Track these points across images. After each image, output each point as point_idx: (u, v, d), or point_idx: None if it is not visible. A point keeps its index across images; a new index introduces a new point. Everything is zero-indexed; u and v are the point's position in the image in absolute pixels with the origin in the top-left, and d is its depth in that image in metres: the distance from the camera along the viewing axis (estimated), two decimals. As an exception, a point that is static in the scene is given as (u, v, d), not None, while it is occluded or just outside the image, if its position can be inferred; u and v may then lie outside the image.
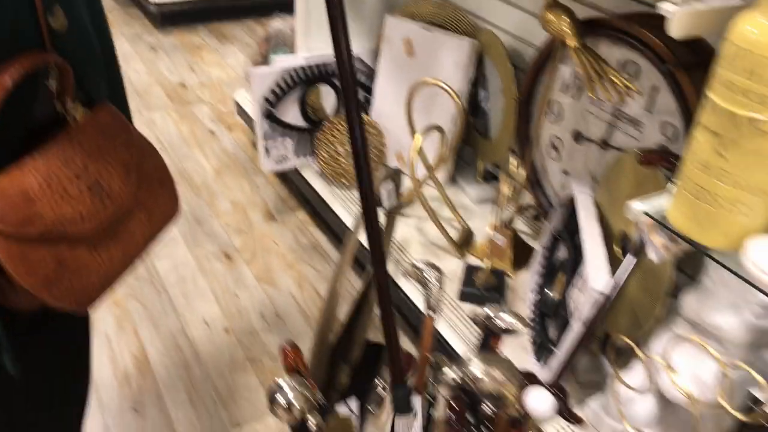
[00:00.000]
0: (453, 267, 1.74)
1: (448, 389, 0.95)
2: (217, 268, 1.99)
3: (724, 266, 0.93)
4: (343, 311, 1.46)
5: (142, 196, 0.84)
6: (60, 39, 0.74)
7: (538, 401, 0.89)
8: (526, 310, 1.59)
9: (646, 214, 0.99)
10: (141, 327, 1.77)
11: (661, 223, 0.98)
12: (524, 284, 1.67)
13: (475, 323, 0.97)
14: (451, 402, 0.90)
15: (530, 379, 0.95)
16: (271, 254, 2.06)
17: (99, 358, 1.67)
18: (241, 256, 2.05)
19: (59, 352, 0.98)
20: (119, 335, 1.74)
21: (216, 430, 1.50)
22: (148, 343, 1.72)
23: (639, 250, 1.08)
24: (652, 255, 1.05)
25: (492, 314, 0.94)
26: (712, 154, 0.87)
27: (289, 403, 0.73)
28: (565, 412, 0.94)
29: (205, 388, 1.60)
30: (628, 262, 1.08)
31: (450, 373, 0.91)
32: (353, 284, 1.92)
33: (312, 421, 0.75)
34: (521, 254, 1.72)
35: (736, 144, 0.84)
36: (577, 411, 1.35)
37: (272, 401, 0.74)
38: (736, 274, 0.91)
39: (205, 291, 1.90)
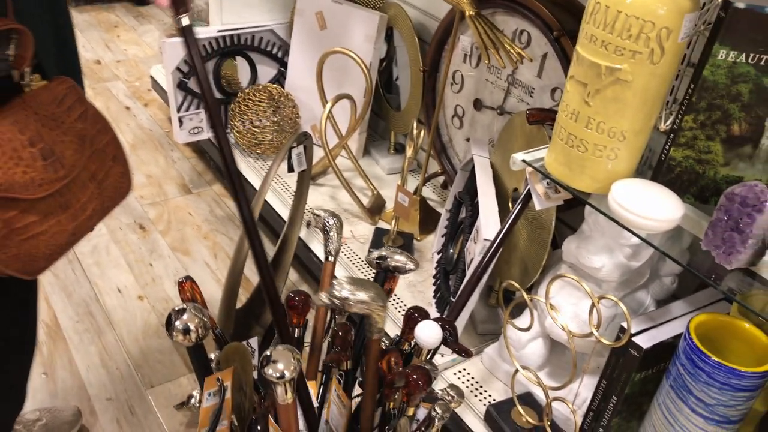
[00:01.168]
0: (365, 232, 1.80)
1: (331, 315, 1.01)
2: (131, 239, 1.99)
3: (590, 205, 1.03)
4: (254, 277, 1.49)
5: (95, 168, 0.84)
6: (21, 9, 0.74)
7: (426, 331, 0.96)
8: (431, 270, 1.67)
9: (525, 161, 1.08)
10: (53, 295, 1.75)
11: (538, 170, 1.07)
12: (430, 246, 1.75)
13: (369, 264, 1.03)
14: (336, 328, 0.96)
15: (421, 313, 1.02)
16: (186, 225, 2.07)
17: None
18: (156, 228, 2.05)
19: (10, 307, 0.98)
20: (28, 305, 1.72)
21: (129, 391, 1.52)
22: (59, 310, 1.71)
23: (525, 200, 1.17)
24: (536, 203, 1.14)
25: (384, 254, 1.01)
26: (580, 103, 0.96)
27: (186, 327, 0.78)
28: (454, 345, 1.02)
29: (118, 352, 1.61)
30: (515, 210, 1.17)
31: (323, 298, 0.97)
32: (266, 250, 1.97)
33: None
34: (428, 219, 1.80)
35: (600, 92, 0.93)
36: (476, 359, 1.44)
37: (169, 325, 0.78)
38: (602, 213, 1.01)
39: (119, 260, 1.90)
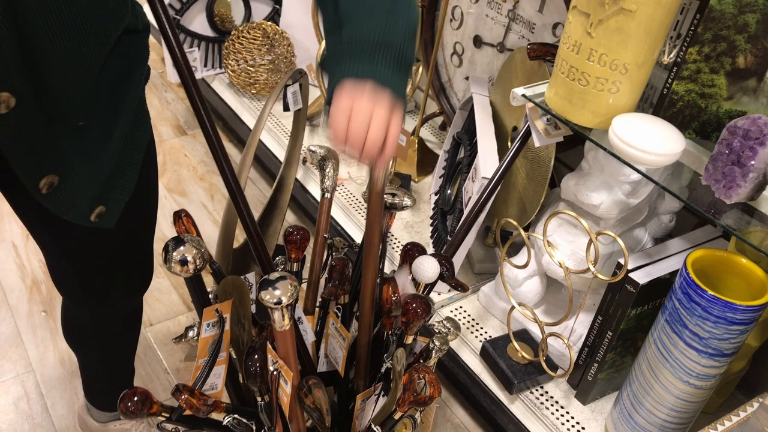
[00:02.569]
0: (361, 173, 1.79)
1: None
2: (126, 180, 1.97)
3: (590, 140, 1.02)
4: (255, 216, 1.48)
5: None
6: None
7: (424, 266, 0.96)
8: (429, 211, 1.67)
9: (525, 96, 1.06)
10: (48, 236, 1.75)
11: (538, 105, 1.05)
12: (428, 187, 1.75)
13: (365, 201, 1.02)
14: (333, 263, 0.96)
15: (419, 249, 1.02)
16: (182, 167, 2.05)
17: (7, 266, 1.65)
18: (152, 169, 2.03)
19: None
20: (27, 244, 1.72)
21: (127, 329, 1.53)
22: (55, 251, 1.71)
23: (524, 137, 1.15)
24: (535, 139, 1.13)
25: (382, 189, 1.00)
26: (583, 35, 0.93)
27: (184, 258, 0.77)
28: (450, 279, 1.02)
29: (115, 292, 1.62)
30: (514, 147, 1.16)
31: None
32: (262, 191, 1.96)
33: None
34: (426, 160, 1.79)
35: (602, 23, 0.91)
36: (473, 297, 1.46)
37: (166, 255, 0.77)
38: (602, 147, 1.00)
39: (114, 202, 1.89)
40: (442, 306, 1.42)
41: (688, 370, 0.99)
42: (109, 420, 1.27)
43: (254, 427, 0.84)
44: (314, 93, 1.97)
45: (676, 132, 0.92)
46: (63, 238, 0.88)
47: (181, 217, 0.85)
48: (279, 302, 0.71)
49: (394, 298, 0.84)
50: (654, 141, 0.90)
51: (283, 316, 0.72)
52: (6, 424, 1.34)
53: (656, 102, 1.00)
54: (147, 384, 1.42)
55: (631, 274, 1.07)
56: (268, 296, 0.70)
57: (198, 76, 2.06)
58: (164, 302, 1.61)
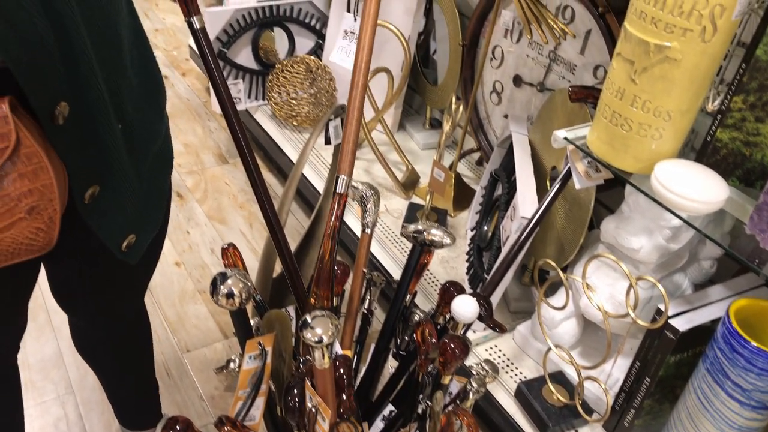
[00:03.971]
0: (399, 207, 1.81)
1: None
2: (168, 207, 2.02)
3: (632, 185, 1.02)
4: (292, 248, 1.51)
5: None
6: None
7: (463, 305, 0.96)
8: (465, 246, 1.68)
9: (566, 139, 1.07)
10: (91, 260, 1.80)
11: (580, 148, 1.06)
12: (464, 223, 1.76)
13: (405, 237, 1.04)
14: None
15: (457, 288, 1.02)
16: (223, 194, 2.10)
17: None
18: (193, 196, 2.08)
19: None
20: (69, 267, 1.77)
21: (166, 355, 1.56)
22: (98, 274, 1.76)
23: (565, 179, 1.16)
24: (576, 182, 1.13)
25: (421, 227, 1.01)
26: (626, 81, 0.94)
27: (230, 291, 0.79)
28: (488, 320, 1.02)
29: (155, 316, 1.65)
30: (554, 188, 1.16)
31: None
32: (300, 222, 1.98)
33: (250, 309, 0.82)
34: (462, 195, 1.80)
35: (647, 71, 0.91)
36: (508, 336, 1.45)
37: (214, 289, 0.80)
38: (644, 193, 1.00)
39: (156, 228, 1.94)
40: (477, 345, 1.41)
41: (729, 422, 0.97)
42: None
43: (291, 461, 0.85)
44: (354, 126, 2.00)
45: (719, 179, 0.92)
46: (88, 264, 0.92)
47: (229, 250, 0.87)
48: (320, 341, 0.72)
49: (431, 341, 0.85)
50: (697, 188, 0.90)
51: (323, 354, 0.74)
52: (45, 444, 1.37)
53: (699, 148, 1.00)
54: (182, 410, 1.44)
55: (671, 321, 1.05)
56: (309, 335, 0.72)
57: (242, 107, 2.12)
58: (201, 329, 1.64)
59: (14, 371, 1.06)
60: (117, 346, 1.18)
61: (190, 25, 0.81)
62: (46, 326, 1.60)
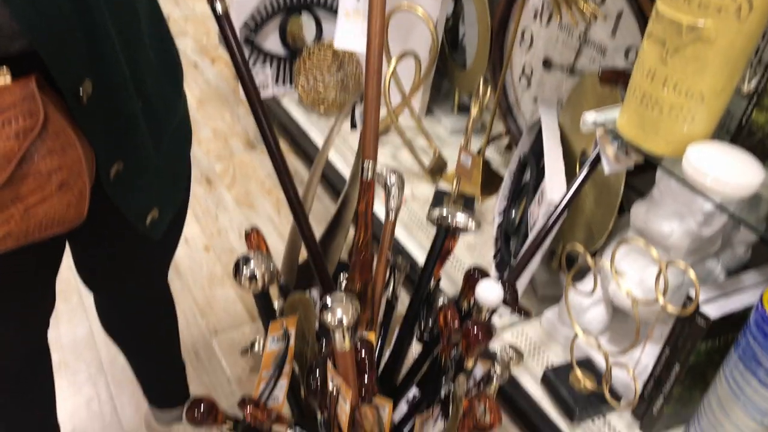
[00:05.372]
0: (426, 192, 1.80)
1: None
2: (198, 192, 2.04)
3: (663, 168, 1.00)
4: (318, 233, 1.51)
5: (24, 191, 0.71)
6: None
7: (488, 290, 0.95)
8: (491, 232, 1.66)
9: (596, 122, 1.05)
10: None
11: (608, 130, 1.04)
12: (491, 208, 1.74)
13: (430, 221, 1.03)
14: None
15: (482, 273, 1.02)
16: (251, 180, 2.11)
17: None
18: (222, 181, 2.10)
19: None
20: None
21: (195, 337, 1.58)
22: (129, 258, 1.79)
23: (594, 163, 1.13)
24: (605, 166, 1.11)
25: (446, 212, 1.01)
26: (658, 62, 0.92)
27: (253, 274, 0.80)
28: (514, 305, 1.01)
29: (185, 299, 1.67)
30: (583, 172, 1.14)
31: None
32: (326, 207, 1.99)
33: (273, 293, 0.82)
34: (490, 181, 1.78)
35: (679, 51, 0.89)
36: (535, 322, 1.44)
37: (236, 271, 0.80)
38: (675, 176, 0.97)
39: (185, 212, 1.96)
40: (503, 329, 1.40)
41: (761, 410, 0.95)
42: (172, 420, 1.32)
43: (314, 442, 0.85)
44: (382, 112, 1.99)
45: (755, 162, 0.89)
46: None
47: (252, 234, 0.88)
48: (340, 323, 0.72)
49: (454, 325, 0.84)
50: (730, 171, 0.88)
51: (343, 336, 0.74)
52: (78, 423, 1.40)
53: (734, 130, 0.97)
54: (210, 391, 1.46)
55: (702, 307, 1.03)
56: (330, 316, 0.72)
57: (269, 93, 2.12)
58: (229, 312, 1.65)
59: (46, 348, 1.08)
60: (140, 325, 1.20)
61: (214, 10, 0.81)
62: (78, 308, 1.64)
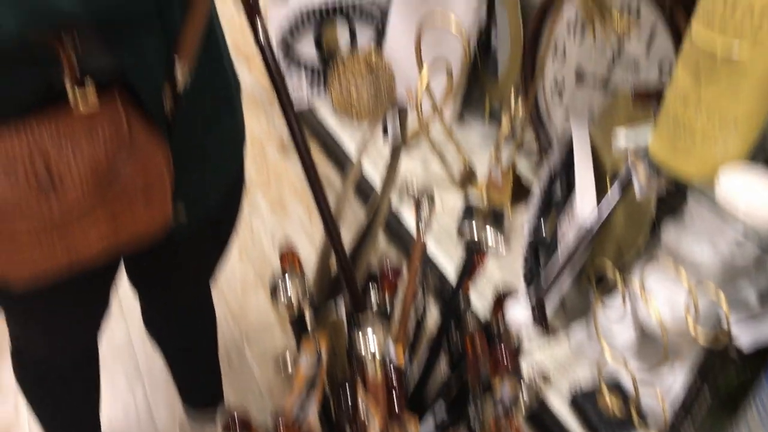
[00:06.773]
0: (455, 202, 1.81)
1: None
2: (231, 197, 2.08)
3: (696, 192, 0.99)
4: (346, 237, 1.54)
5: (111, 199, 0.72)
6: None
7: (516, 312, 0.97)
8: (520, 241, 1.66)
9: (627, 142, 1.05)
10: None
11: (640, 151, 1.04)
12: (521, 220, 1.74)
13: (459, 236, 1.04)
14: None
15: (511, 296, 1.02)
16: (284, 185, 2.14)
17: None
18: (256, 186, 2.13)
19: None
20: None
21: (227, 340, 1.62)
22: (165, 263, 1.83)
23: (625, 183, 1.13)
24: (637, 190, 1.11)
25: (476, 234, 1.02)
26: (691, 86, 0.91)
27: (289, 300, 0.82)
28: (541, 322, 1.02)
29: (218, 305, 1.70)
30: (614, 192, 1.14)
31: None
32: (356, 214, 2.01)
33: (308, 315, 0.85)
34: (519, 193, 1.78)
35: (713, 74, 0.88)
36: (563, 340, 1.44)
37: (273, 294, 0.82)
38: (708, 201, 0.97)
39: (219, 217, 2.00)
40: (532, 348, 1.40)
41: (791, 439, 0.94)
42: (206, 419, 1.36)
43: (343, 460, 0.87)
44: (411, 120, 2.00)
45: (790, 189, 0.88)
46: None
47: (287, 254, 0.90)
48: (372, 353, 0.74)
49: (481, 353, 0.86)
50: (764, 196, 0.87)
51: (375, 368, 0.75)
52: (116, 425, 1.45)
53: (769, 154, 0.96)
54: (241, 397, 1.49)
55: (734, 337, 1.02)
56: (361, 346, 0.74)
57: (304, 102, 2.15)
58: (262, 319, 1.69)
59: (96, 353, 1.13)
60: (185, 327, 1.24)
61: (252, 23, 0.83)
62: (117, 313, 1.69)
